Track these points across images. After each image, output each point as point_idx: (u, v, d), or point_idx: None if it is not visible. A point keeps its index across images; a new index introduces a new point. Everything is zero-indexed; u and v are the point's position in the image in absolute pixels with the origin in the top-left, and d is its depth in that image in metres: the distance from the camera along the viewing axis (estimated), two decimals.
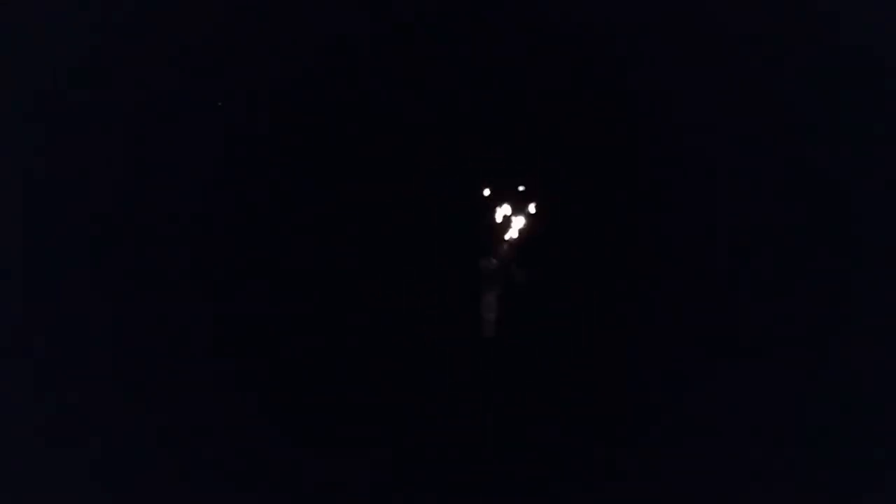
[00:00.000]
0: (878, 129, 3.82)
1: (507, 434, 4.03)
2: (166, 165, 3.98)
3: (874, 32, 3.74)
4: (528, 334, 4.15)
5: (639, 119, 4.16)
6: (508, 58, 4.17)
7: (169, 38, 3.91)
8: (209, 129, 4.03)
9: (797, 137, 3.94)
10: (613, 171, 4.21)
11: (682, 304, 4.07)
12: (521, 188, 4.29)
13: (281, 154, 4.13)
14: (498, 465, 3.95)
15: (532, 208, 4.28)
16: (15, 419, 3.59)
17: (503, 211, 4.27)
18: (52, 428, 3.64)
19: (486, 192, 4.29)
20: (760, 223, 4.00)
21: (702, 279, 4.06)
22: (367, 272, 4.15)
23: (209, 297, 3.99)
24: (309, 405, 3.96)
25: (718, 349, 3.97)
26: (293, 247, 4.11)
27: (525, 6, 4.13)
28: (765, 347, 3.90)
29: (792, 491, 3.67)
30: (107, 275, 3.88)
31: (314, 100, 4.14)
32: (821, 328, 3.84)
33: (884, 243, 3.80)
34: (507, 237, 4.27)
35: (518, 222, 4.28)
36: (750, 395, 3.83)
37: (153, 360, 3.86)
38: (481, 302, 4.19)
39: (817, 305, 3.88)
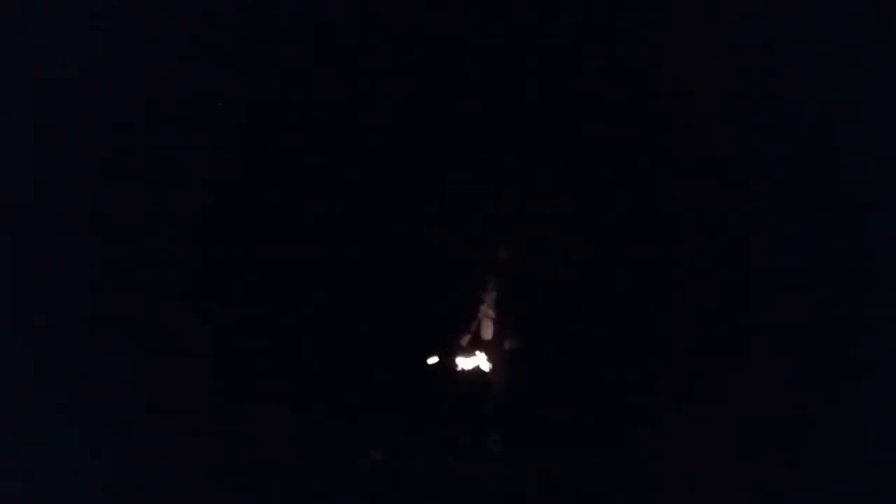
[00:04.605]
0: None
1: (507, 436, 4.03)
2: (165, 165, 4.01)
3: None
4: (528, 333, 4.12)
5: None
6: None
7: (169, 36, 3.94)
8: (208, 128, 4.06)
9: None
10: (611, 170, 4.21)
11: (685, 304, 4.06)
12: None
13: (279, 155, 4.16)
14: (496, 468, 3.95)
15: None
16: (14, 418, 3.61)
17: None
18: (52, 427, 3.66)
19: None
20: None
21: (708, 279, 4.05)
22: (367, 272, 4.17)
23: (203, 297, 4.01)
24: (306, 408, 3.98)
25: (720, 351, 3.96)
26: (290, 248, 4.14)
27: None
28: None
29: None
30: (105, 274, 3.91)
31: (311, 101, 4.17)
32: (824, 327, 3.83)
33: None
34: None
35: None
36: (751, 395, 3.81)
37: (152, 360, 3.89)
38: (483, 303, 4.15)
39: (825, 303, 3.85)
